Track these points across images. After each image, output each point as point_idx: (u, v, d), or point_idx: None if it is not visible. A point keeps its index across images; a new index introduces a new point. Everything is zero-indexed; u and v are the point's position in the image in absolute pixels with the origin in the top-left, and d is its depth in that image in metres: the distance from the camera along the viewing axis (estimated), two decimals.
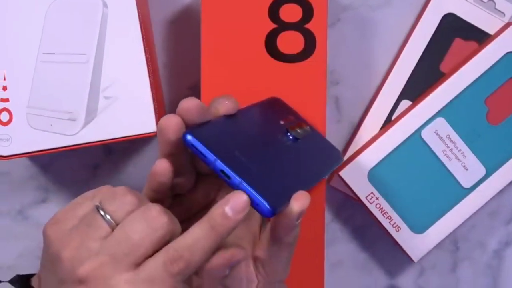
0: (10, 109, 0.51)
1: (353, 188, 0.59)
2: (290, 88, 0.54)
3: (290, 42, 0.54)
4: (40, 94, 0.51)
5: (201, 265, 0.40)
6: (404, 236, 0.60)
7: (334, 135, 0.63)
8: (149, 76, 0.52)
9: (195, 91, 0.61)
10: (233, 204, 0.39)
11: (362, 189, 0.59)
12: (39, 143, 0.51)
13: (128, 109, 0.51)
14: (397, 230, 0.59)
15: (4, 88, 0.51)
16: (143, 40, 0.52)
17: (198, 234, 0.40)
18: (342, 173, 0.59)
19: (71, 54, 0.51)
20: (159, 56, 0.62)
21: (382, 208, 0.59)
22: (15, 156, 0.51)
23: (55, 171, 0.62)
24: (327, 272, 0.64)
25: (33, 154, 0.51)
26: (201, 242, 0.40)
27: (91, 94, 0.51)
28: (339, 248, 0.64)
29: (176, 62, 0.62)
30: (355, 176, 0.59)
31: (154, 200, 0.44)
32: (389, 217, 0.59)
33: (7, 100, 0.51)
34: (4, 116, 0.51)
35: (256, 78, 0.54)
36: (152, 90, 0.52)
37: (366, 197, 0.59)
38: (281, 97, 0.54)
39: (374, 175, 0.59)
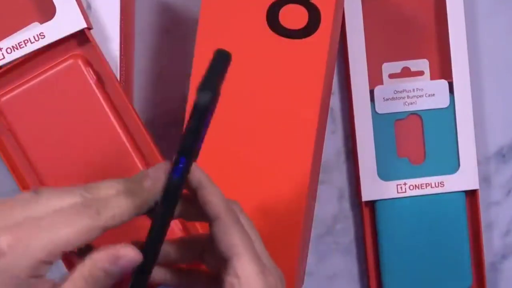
0: None
1: None
2: (286, 67, 0.50)
3: (293, 16, 0.50)
4: None
5: None
6: None
7: (329, 146, 0.62)
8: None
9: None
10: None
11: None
12: None
13: None
14: None
15: None
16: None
17: None
18: None
19: None
20: (153, 65, 0.61)
21: None
22: None
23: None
24: (323, 285, 0.63)
25: None
26: None
27: None
28: (334, 261, 0.64)
29: (171, 71, 0.62)
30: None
31: None
32: None
33: None
34: None
35: (253, 51, 0.50)
36: None
37: None
38: (275, 75, 0.50)
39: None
